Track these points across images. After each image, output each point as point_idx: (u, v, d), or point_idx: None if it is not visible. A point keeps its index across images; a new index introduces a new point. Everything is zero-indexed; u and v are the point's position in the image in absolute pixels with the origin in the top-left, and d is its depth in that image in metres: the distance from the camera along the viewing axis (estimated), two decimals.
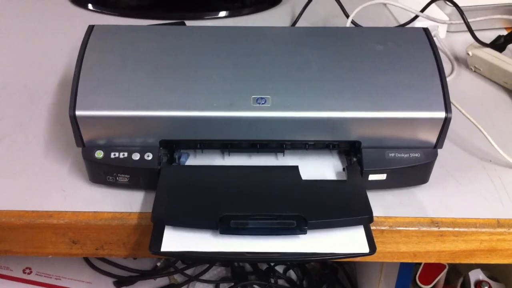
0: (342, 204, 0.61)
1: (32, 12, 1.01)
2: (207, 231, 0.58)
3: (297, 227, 0.57)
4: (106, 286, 1.07)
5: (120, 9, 1.02)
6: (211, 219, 0.57)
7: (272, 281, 1.13)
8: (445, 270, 0.98)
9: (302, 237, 0.58)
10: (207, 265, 1.13)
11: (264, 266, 1.16)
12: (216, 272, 1.14)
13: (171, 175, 0.63)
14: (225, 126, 0.62)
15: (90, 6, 1.02)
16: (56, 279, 1.04)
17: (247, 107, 0.61)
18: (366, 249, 0.57)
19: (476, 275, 1.01)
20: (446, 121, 0.62)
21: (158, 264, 1.12)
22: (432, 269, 0.98)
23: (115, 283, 1.08)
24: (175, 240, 0.58)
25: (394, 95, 0.63)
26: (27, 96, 0.80)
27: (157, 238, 0.58)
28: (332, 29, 0.73)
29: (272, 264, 1.16)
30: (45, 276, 1.04)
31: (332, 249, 0.57)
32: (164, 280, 1.11)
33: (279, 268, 1.17)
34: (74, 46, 0.66)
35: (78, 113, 0.61)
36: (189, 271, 1.12)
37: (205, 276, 1.12)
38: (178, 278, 1.12)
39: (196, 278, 1.11)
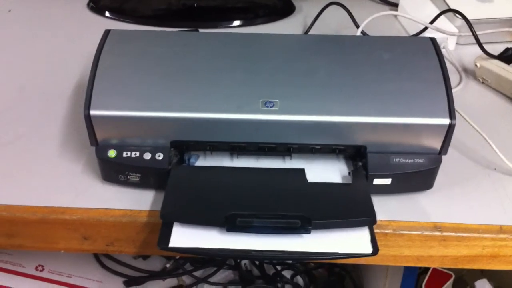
0: (346, 206, 0.62)
1: (51, 19, 1.04)
2: (214, 228, 0.60)
3: (301, 227, 0.58)
4: (116, 286, 1.09)
5: (136, 17, 1.04)
6: (218, 217, 0.59)
7: (279, 286, 1.14)
8: (451, 280, 0.99)
9: (306, 236, 0.59)
10: (215, 268, 1.14)
11: (271, 271, 1.17)
12: (224, 275, 1.15)
13: (180, 174, 0.65)
14: (234, 128, 0.64)
15: (107, 13, 1.05)
16: (68, 277, 1.06)
17: (255, 110, 0.63)
18: (369, 250, 0.59)
19: (482, 286, 1.01)
20: (450, 128, 0.63)
21: (167, 265, 1.13)
22: (438, 278, 0.99)
23: (124, 283, 1.09)
24: (183, 237, 0.59)
25: (400, 101, 0.64)
26: (44, 98, 0.83)
27: (166, 235, 0.59)
28: (340, 37, 0.74)
29: (279, 268, 1.17)
30: (56, 274, 1.06)
31: (335, 249, 0.59)
32: (172, 281, 1.12)
33: (287, 274, 1.17)
34: (90, 52, 0.68)
35: (92, 112, 0.63)
36: (197, 273, 1.13)
37: (213, 279, 1.13)
38: (187, 279, 1.13)
39: (204, 280, 1.12)
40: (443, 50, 0.94)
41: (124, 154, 0.65)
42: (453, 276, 0.99)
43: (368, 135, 0.65)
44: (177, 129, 0.64)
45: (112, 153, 0.65)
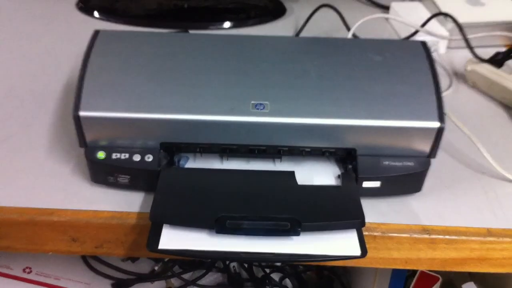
0: (335, 208, 0.62)
1: (40, 19, 1.03)
2: (204, 230, 0.60)
3: (291, 229, 0.58)
4: None
5: (126, 17, 1.04)
6: (208, 219, 0.59)
7: None
8: (439, 282, 0.99)
9: (295, 239, 0.59)
10: (204, 270, 1.14)
11: (260, 274, 1.17)
12: (213, 278, 1.15)
13: (170, 176, 0.65)
14: (224, 130, 0.64)
15: (96, 14, 1.05)
16: (55, 279, 1.05)
17: (246, 112, 0.63)
18: (357, 252, 0.59)
19: None
20: (440, 131, 0.63)
21: (156, 268, 1.13)
22: (426, 281, 0.99)
23: (113, 285, 1.08)
24: (172, 239, 0.59)
25: (390, 104, 0.64)
26: (32, 99, 0.82)
27: (155, 237, 0.59)
28: (331, 39, 0.74)
29: (268, 271, 1.17)
30: (44, 276, 1.05)
31: (325, 251, 0.59)
32: (161, 284, 1.12)
33: (275, 276, 1.17)
34: (79, 52, 0.68)
35: (81, 113, 0.62)
36: (186, 276, 1.13)
37: (202, 282, 1.13)
38: (175, 282, 1.13)
39: (193, 283, 1.12)
40: (433, 54, 0.94)
41: (114, 156, 0.65)
42: (441, 279, 0.99)
43: (358, 138, 0.65)
44: (167, 130, 0.64)
45: (101, 154, 0.65)
